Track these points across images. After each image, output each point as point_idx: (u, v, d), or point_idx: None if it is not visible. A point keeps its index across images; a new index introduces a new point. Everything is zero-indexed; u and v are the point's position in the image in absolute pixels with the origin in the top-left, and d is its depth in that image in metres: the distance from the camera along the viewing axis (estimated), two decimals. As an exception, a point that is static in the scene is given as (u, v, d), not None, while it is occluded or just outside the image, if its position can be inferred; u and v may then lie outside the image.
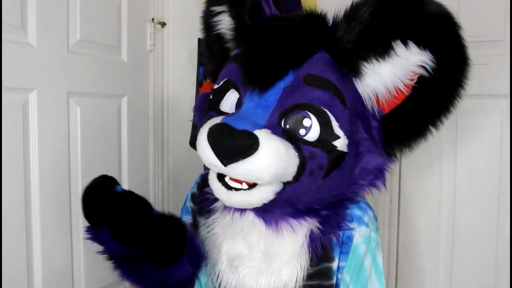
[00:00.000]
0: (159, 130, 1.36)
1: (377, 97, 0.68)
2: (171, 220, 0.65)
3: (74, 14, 0.97)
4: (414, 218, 1.19)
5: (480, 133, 1.12)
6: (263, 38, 0.69)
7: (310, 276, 0.71)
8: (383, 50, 0.64)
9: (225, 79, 0.73)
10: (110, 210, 0.62)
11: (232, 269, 0.73)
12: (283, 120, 0.67)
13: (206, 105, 0.75)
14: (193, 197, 0.84)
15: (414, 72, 0.65)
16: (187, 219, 0.84)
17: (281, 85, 0.67)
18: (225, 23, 0.80)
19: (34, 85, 0.88)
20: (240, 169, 0.62)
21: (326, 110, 0.66)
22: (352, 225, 0.73)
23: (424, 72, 0.65)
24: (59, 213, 0.95)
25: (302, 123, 0.66)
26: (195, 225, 0.82)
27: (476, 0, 1.09)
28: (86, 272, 1.02)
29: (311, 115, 0.66)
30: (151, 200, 0.67)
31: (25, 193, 0.87)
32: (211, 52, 0.84)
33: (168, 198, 1.39)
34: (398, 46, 0.63)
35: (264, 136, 0.62)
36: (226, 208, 0.73)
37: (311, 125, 0.66)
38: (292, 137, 0.66)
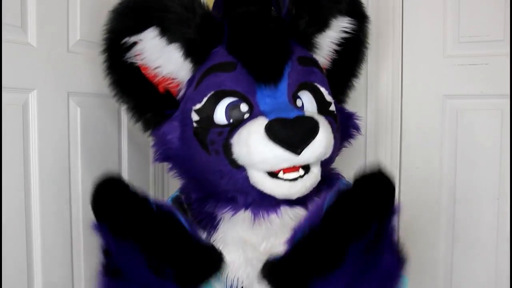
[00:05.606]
0: (159, 130, 1.36)
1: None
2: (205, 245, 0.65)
3: (74, 14, 0.97)
4: (414, 218, 1.19)
5: (480, 133, 1.12)
6: (255, 38, 0.73)
7: None
8: (325, 26, 0.83)
9: (211, 93, 0.73)
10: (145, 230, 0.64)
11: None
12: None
13: (198, 129, 0.74)
14: None
15: (339, 37, 0.86)
16: None
17: (286, 72, 0.74)
18: (150, 50, 0.74)
19: (34, 85, 0.88)
20: (311, 151, 0.67)
21: (317, 85, 0.78)
22: None
23: (345, 35, 0.86)
24: (59, 213, 0.95)
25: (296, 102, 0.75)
26: None
27: (476, 0, 1.09)
28: (86, 271, 1.02)
29: (306, 92, 0.76)
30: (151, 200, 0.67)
31: (25, 193, 0.87)
32: (132, 87, 0.78)
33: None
34: (332, 20, 0.83)
35: (314, 114, 0.70)
36: (257, 213, 0.75)
37: (302, 104, 0.76)
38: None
